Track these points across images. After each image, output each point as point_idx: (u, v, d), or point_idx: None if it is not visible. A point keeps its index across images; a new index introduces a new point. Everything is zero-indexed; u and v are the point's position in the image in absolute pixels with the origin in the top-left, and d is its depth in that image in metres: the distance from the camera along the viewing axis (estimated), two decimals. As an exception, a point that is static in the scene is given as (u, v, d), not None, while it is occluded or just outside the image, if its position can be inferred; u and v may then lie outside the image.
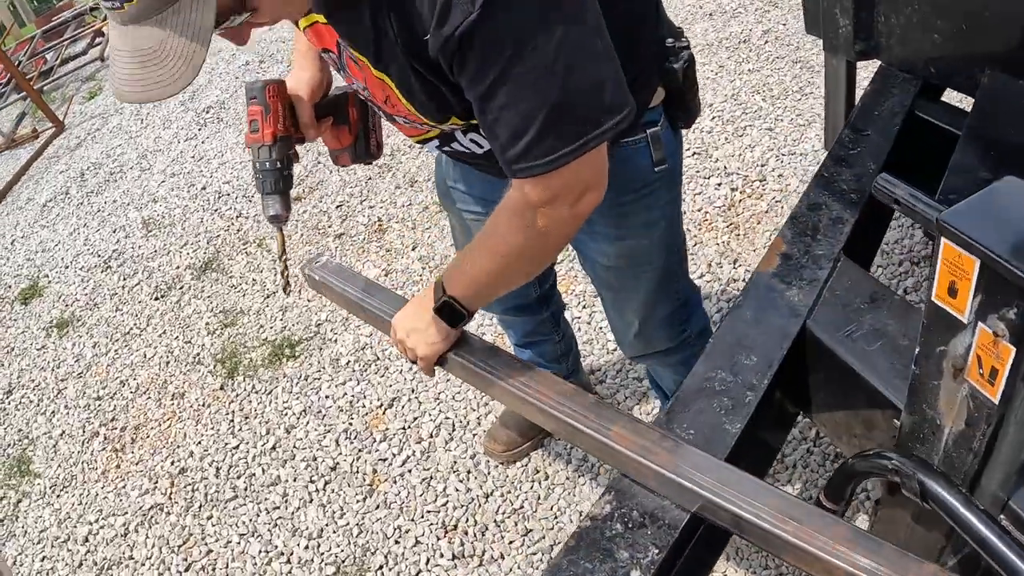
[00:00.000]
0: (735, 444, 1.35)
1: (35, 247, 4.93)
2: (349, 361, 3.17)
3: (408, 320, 1.49)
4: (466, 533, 2.45)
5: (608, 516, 1.27)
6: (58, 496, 3.23)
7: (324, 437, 2.91)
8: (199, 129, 5.41)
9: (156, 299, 4.00)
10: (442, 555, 2.41)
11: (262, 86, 1.49)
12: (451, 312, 1.41)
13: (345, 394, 3.04)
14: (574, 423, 1.34)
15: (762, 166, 3.42)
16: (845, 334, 1.48)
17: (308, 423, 2.99)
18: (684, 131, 1.66)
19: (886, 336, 1.44)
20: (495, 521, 2.45)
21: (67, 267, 4.58)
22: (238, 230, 4.23)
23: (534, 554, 2.33)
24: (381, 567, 2.46)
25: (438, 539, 2.46)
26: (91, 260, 4.53)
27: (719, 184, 3.40)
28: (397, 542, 2.50)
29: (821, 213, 1.79)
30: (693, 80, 1.57)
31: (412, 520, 2.54)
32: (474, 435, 2.71)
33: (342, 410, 2.98)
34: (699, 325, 2.01)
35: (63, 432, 3.50)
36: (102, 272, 4.39)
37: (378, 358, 3.12)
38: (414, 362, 1.50)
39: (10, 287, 4.65)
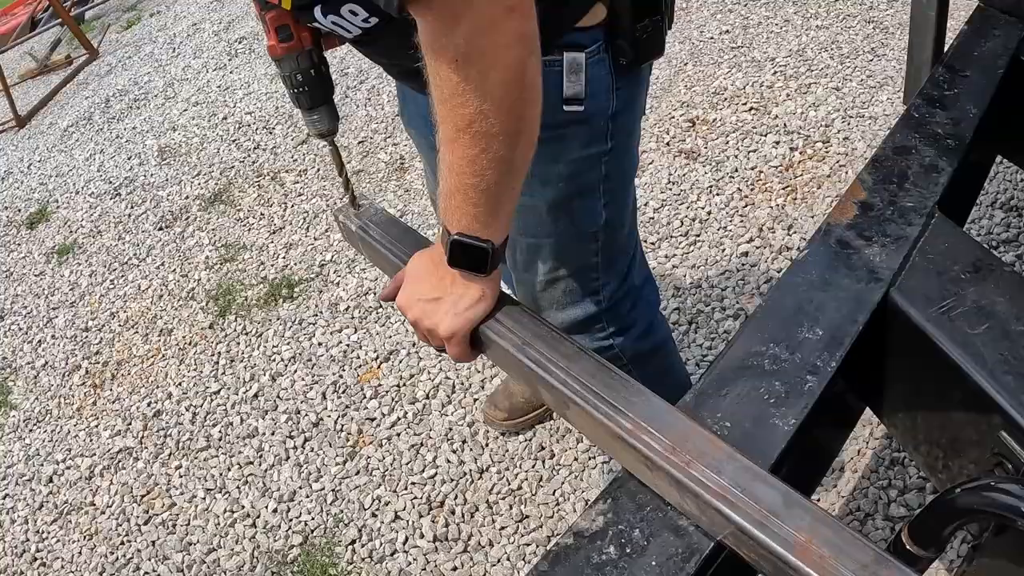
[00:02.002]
0: (785, 447, 0.97)
1: (50, 171, 4.68)
2: (349, 307, 2.85)
3: (418, 288, 1.06)
4: (453, 512, 2.12)
5: (599, 533, 0.90)
6: (30, 431, 2.97)
7: (311, 389, 2.60)
8: (229, 59, 5.11)
9: (160, 229, 3.71)
10: (423, 535, 2.09)
11: None
12: (467, 251, 0.99)
13: (340, 343, 2.72)
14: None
15: (826, 127, 3.03)
16: (940, 310, 1.08)
17: (296, 372, 2.68)
18: (642, 76, 1.29)
19: (994, 317, 1.04)
20: (487, 501, 2.11)
21: (77, 193, 4.32)
22: (254, 162, 3.92)
23: (527, 545, 1.99)
24: (353, 542, 2.14)
25: (420, 516, 2.13)
26: (102, 187, 4.26)
27: (777, 143, 3.01)
28: (375, 515, 2.18)
29: (911, 158, 1.40)
30: (655, 5, 1.18)
31: (394, 491, 2.21)
32: (475, 400, 2.37)
33: (334, 360, 2.66)
34: (635, 340, 1.57)
35: (46, 363, 3.24)
36: (111, 199, 4.12)
37: (380, 306, 2.79)
38: (441, 349, 1.08)
39: (19, 211, 4.41)
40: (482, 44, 0.84)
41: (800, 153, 2.95)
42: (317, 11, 1.05)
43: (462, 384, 2.43)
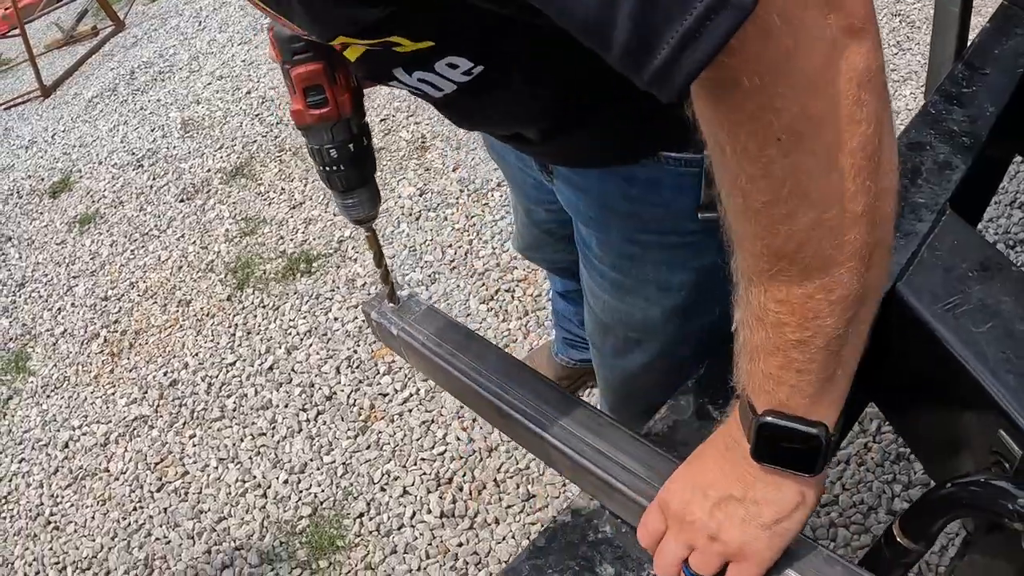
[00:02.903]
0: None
1: (74, 141, 4.71)
2: (366, 283, 2.86)
3: (700, 479, 0.76)
4: (460, 489, 2.13)
5: (597, 512, 0.92)
6: (48, 397, 3.01)
7: (325, 363, 2.61)
8: (255, 34, 5.11)
9: (181, 201, 3.74)
10: (430, 511, 2.10)
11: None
12: (783, 439, 0.68)
13: (356, 318, 2.73)
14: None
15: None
16: (945, 307, 1.08)
17: (311, 345, 2.70)
18: None
19: (999, 316, 1.04)
20: (495, 480, 2.12)
21: (100, 163, 4.35)
22: (276, 136, 3.93)
23: (533, 524, 2.00)
24: (361, 515, 2.16)
25: (428, 492, 2.15)
26: (125, 157, 4.29)
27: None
28: (383, 489, 2.19)
29: (925, 155, 1.39)
30: None
31: (404, 467, 2.22)
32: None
33: (349, 335, 2.68)
34: None
35: (65, 331, 3.28)
36: (133, 170, 4.14)
37: (397, 281, 2.80)
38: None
39: (43, 180, 4.44)
40: (822, 105, 0.53)
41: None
42: (399, 70, 0.79)
43: (475, 363, 2.44)
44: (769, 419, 0.67)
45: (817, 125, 0.52)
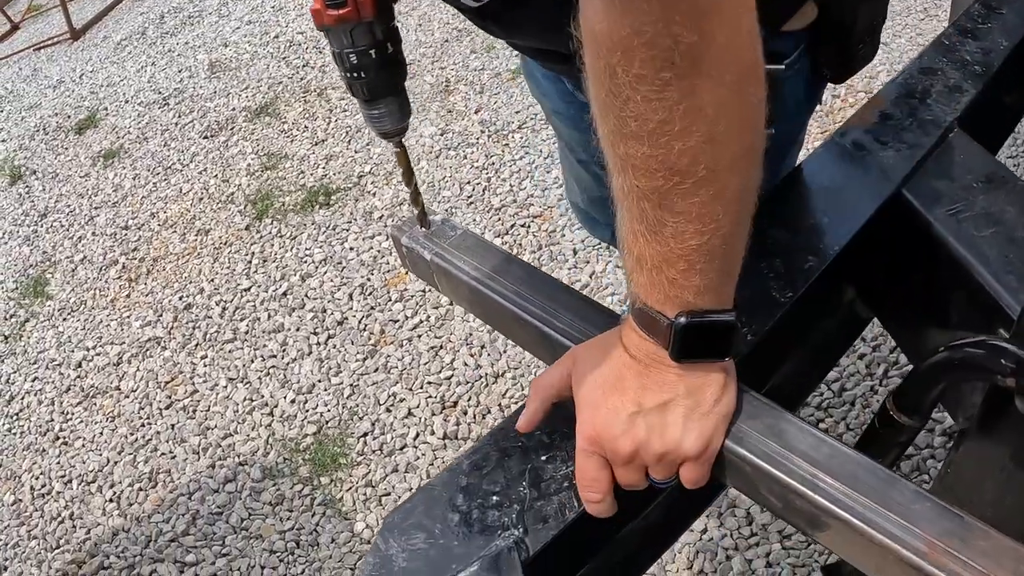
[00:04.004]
0: (783, 316, 0.95)
1: (101, 81, 4.73)
2: (383, 215, 2.86)
3: (621, 401, 0.71)
4: (465, 413, 2.12)
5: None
6: (64, 319, 3.03)
7: (339, 290, 2.61)
8: (286, -19, 5.12)
9: (205, 138, 3.74)
10: (433, 432, 2.10)
11: None
12: (703, 335, 0.68)
13: (371, 248, 2.73)
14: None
15: (871, 78, 2.96)
16: (949, 212, 1.06)
17: (326, 273, 2.69)
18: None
19: (1002, 224, 1.01)
20: (500, 405, 2.11)
21: (127, 102, 4.36)
22: (301, 79, 3.93)
23: (535, 442, 1.99)
24: (365, 434, 2.16)
25: (433, 414, 2.14)
26: (151, 96, 4.30)
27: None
28: (389, 410, 2.19)
29: (935, 78, 1.36)
30: (877, 12, 0.96)
31: (410, 389, 2.22)
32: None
33: (364, 264, 2.67)
34: None
35: (84, 258, 3.30)
36: (159, 108, 4.15)
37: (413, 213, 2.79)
38: (668, 482, 0.75)
39: (69, 117, 4.46)
40: (714, 30, 0.54)
41: (842, 101, 2.89)
42: None
43: (487, 294, 2.43)
44: (685, 320, 0.66)
45: (713, 48, 0.54)
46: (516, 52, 1.35)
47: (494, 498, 0.83)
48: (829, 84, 1.08)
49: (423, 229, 1.07)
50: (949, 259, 1.00)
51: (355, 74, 0.89)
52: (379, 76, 0.89)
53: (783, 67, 0.89)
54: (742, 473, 0.75)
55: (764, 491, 0.75)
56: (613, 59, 0.55)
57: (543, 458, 0.85)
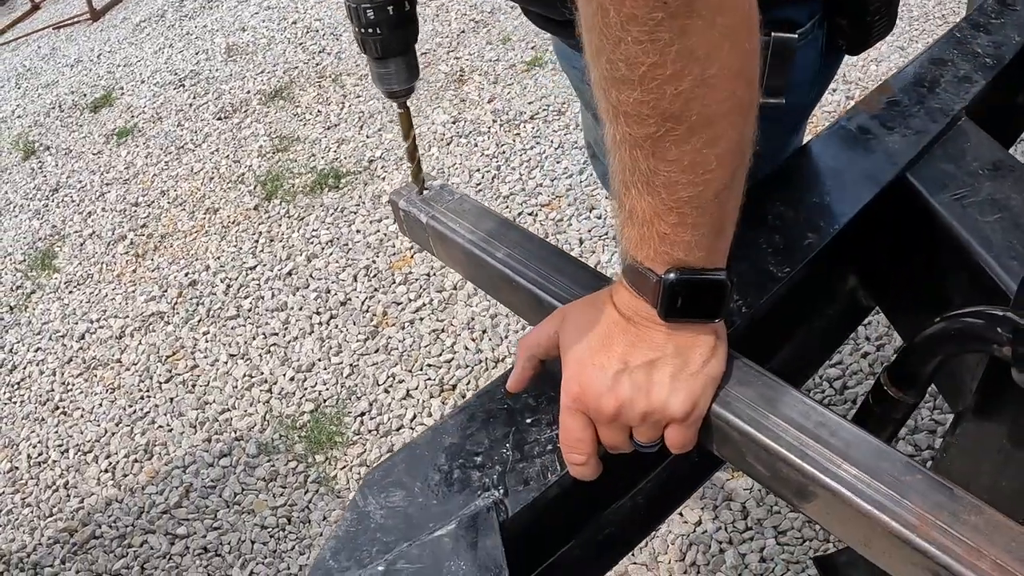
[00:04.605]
0: (779, 291, 0.93)
1: (118, 61, 4.74)
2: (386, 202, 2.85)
3: (607, 359, 0.69)
4: (463, 396, 2.11)
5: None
6: (70, 292, 3.03)
7: (343, 271, 2.61)
8: (307, -32, 5.13)
9: (219, 119, 3.74)
10: (431, 415, 2.09)
11: None
12: (692, 292, 0.66)
13: (378, 231, 2.72)
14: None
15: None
16: (953, 196, 1.04)
17: (331, 255, 2.69)
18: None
19: (1007, 210, 1.00)
20: (500, 388, 2.10)
21: (143, 82, 4.38)
22: (317, 64, 3.93)
23: (532, 426, 1.98)
24: (363, 414, 2.15)
25: (431, 396, 2.13)
26: (167, 77, 4.31)
27: (833, 89, 2.93)
28: (387, 391, 2.18)
29: (945, 68, 1.34)
30: None
31: (409, 371, 2.21)
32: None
33: (369, 246, 2.67)
34: None
35: (93, 232, 3.30)
36: (174, 89, 4.16)
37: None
38: (655, 444, 0.73)
39: (85, 95, 4.48)
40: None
41: (854, 101, 2.87)
42: None
43: (491, 280, 2.41)
44: (675, 276, 0.65)
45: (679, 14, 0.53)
46: (531, 44, 1.30)
47: (476, 459, 0.82)
48: (847, 88, 1.07)
49: (421, 193, 1.06)
50: (952, 243, 0.98)
51: (370, 30, 0.88)
52: (394, 33, 0.89)
53: (796, 36, 0.86)
54: (729, 439, 0.73)
55: (751, 459, 0.73)
56: (602, 11, 0.54)
57: (528, 421, 0.84)
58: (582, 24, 0.59)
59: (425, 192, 1.07)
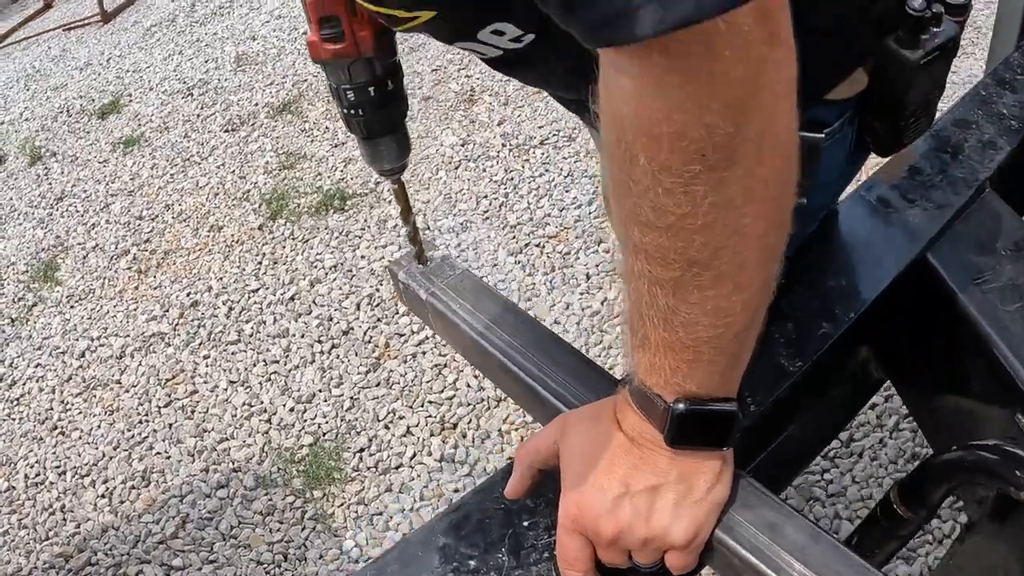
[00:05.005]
0: (790, 386, 0.90)
1: (127, 67, 4.73)
2: (397, 224, 2.82)
3: (608, 480, 0.67)
4: (464, 436, 2.08)
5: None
6: (71, 307, 3.01)
7: (346, 298, 2.58)
8: (320, -23, 5.10)
9: (226, 131, 3.72)
10: (431, 453, 2.06)
11: None
12: (701, 423, 0.64)
13: (382, 258, 2.69)
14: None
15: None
16: (974, 281, 1.01)
17: (335, 280, 2.66)
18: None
19: None
20: (500, 430, 2.07)
21: (151, 89, 4.35)
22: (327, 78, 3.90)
23: (533, 473, 1.95)
24: (362, 450, 2.13)
25: (432, 435, 2.11)
26: (176, 85, 4.29)
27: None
28: (387, 427, 2.16)
29: (969, 133, 1.31)
30: (935, 84, 0.85)
31: (410, 407, 2.19)
32: (507, 330, 2.34)
33: (374, 273, 2.64)
34: None
35: (96, 245, 3.28)
36: (182, 98, 4.14)
37: (428, 227, 2.76)
38: (655, 569, 0.70)
39: (93, 100, 4.46)
40: (751, 121, 0.49)
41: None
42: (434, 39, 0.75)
43: (496, 313, 2.39)
44: (684, 407, 0.62)
45: (748, 139, 0.49)
46: None
47: (471, 563, 0.80)
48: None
49: (421, 266, 1.03)
50: (971, 329, 0.96)
51: (352, 111, 0.85)
52: (377, 114, 0.86)
53: (823, 136, 0.81)
54: (731, 565, 0.71)
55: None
56: (637, 145, 0.51)
57: (525, 524, 0.81)
58: (606, 157, 0.56)
59: (425, 263, 1.05)
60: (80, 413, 2.56)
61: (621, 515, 0.66)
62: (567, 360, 0.91)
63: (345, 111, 0.86)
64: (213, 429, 2.32)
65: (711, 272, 0.56)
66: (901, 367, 1.15)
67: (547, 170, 2.83)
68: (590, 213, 2.58)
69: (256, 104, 3.85)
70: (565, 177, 2.76)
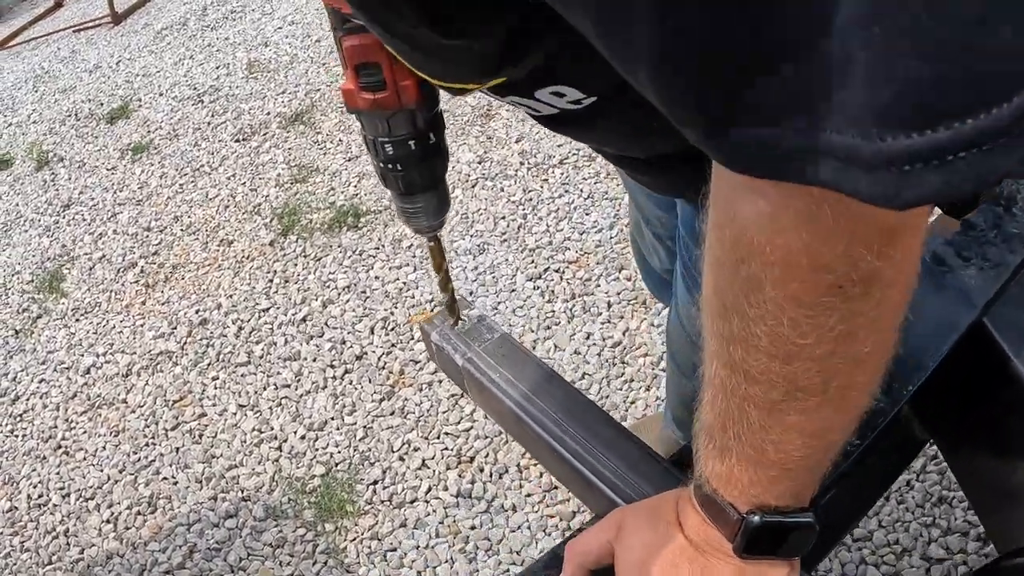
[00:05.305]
0: (844, 471, 0.83)
1: (137, 70, 4.67)
2: (412, 244, 2.75)
3: None
4: (481, 470, 2.02)
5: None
6: (77, 320, 2.95)
7: (360, 321, 2.52)
8: (333, -17, 5.04)
9: (237, 141, 3.66)
10: (447, 488, 2.00)
11: None
12: (776, 535, 0.60)
13: (397, 279, 2.63)
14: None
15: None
16: None
17: (348, 302, 2.60)
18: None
19: None
20: (519, 465, 2.01)
21: (161, 95, 4.30)
22: (341, 88, 3.84)
23: (551, 517, 1.89)
24: (375, 482, 2.06)
25: (448, 468, 2.04)
26: (186, 91, 4.23)
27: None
28: (402, 459, 2.09)
29: (1022, 183, 1.25)
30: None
31: (426, 438, 2.12)
32: (525, 359, 2.27)
33: (388, 296, 2.58)
34: None
35: (103, 256, 3.22)
36: (193, 105, 4.08)
37: (445, 248, 2.69)
38: None
39: (102, 104, 4.40)
40: (895, 251, 0.45)
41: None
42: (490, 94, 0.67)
43: (516, 339, 2.32)
44: (759, 519, 0.58)
45: (888, 271, 0.46)
46: None
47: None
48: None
49: (455, 326, 0.97)
50: (1029, 404, 0.90)
51: (389, 165, 0.79)
52: (418, 169, 0.80)
53: None
54: None
55: None
56: (765, 273, 0.45)
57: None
58: (711, 265, 0.50)
59: (460, 324, 0.98)
60: (85, 433, 2.50)
61: None
62: (620, 444, 0.84)
63: (382, 165, 0.80)
64: (222, 455, 2.26)
65: (817, 398, 0.51)
66: (951, 435, 1.09)
67: (567, 191, 2.76)
68: (611, 238, 2.51)
69: (268, 113, 3.79)
70: (585, 199, 2.70)
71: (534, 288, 2.44)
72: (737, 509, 0.58)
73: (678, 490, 0.66)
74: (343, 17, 0.70)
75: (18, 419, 2.65)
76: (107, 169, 3.80)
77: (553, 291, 2.41)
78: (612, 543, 0.68)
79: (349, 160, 3.29)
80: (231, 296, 2.78)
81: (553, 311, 2.36)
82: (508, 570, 1.84)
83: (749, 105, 0.36)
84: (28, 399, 2.70)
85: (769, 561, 0.61)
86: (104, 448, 2.43)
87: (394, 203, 0.85)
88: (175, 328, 2.74)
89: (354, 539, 1.99)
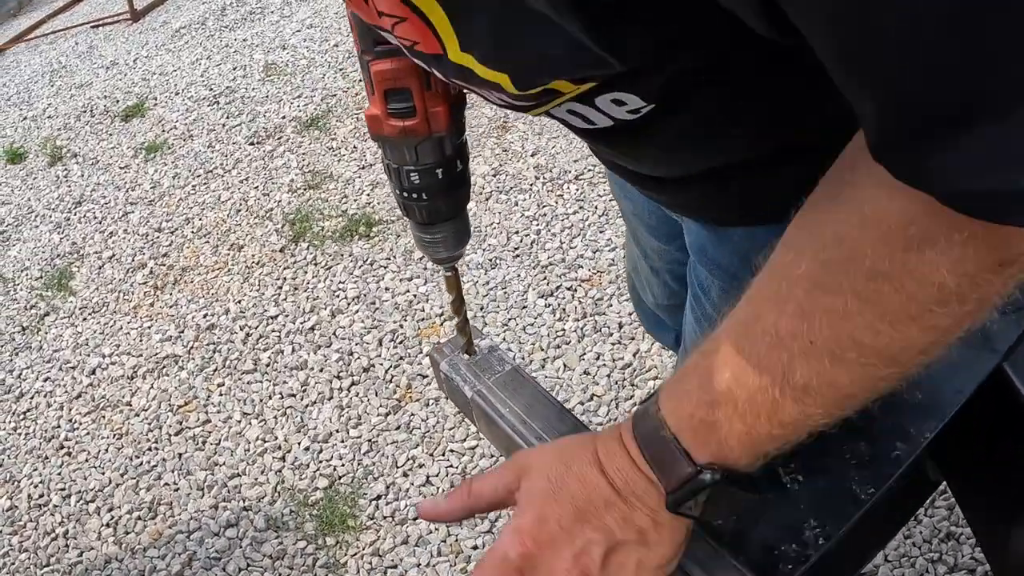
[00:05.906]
0: (859, 519, 0.81)
1: (154, 69, 4.66)
2: (423, 256, 2.73)
3: (578, 528, 0.60)
4: (488, 488, 1.99)
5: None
6: (84, 319, 2.94)
7: (368, 332, 2.50)
8: (353, -12, 5.03)
9: (251, 144, 3.65)
10: (452, 506, 1.97)
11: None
12: (720, 497, 0.60)
13: (407, 291, 2.61)
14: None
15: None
16: None
17: (357, 312, 2.58)
18: None
19: None
20: (526, 484, 1.98)
21: (177, 94, 4.29)
22: (357, 93, 3.83)
23: (559, 538, 1.86)
24: (378, 498, 2.04)
25: (452, 486, 2.02)
26: (202, 92, 4.22)
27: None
28: (406, 475, 2.07)
29: None
30: None
31: (431, 455, 2.10)
32: (537, 377, 2.25)
33: (398, 308, 2.56)
34: None
35: (113, 256, 3.21)
36: (208, 106, 4.07)
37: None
38: None
39: (117, 102, 4.40)
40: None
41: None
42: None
43: (525, 359, 2.30)
44: (710, 476, 0.55)
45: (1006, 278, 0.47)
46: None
47: None
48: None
49: (466, 357, 0.94)
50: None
51: (413, 195, 0.75)
52: (442, 198, 0.77)
53: None
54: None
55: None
56: (909, 284, 0.46)
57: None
58: (825, 257, 0.50)
59: (471, 355, 0.97)
60: (88, 434, 2.49)
61: (588, 557, 0.59)
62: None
63: (405, 195, 0.76)
64: (224, 463, 2.24)
65: (894, 369, 0.52)
66: (966, 480, 1.06)
67: (581, 207, 2.74)
68: (624, 257, 2.49)
69: (283, 117, 3.78)
70: (600, 216, 2.68)
71: (545, 305, 2.42)
72: (693, 459, 0.56)
73: (592, 433, 0.64)
74: (376, 39, 0.66)
75: (22, 417, 2.63)
76: (120, 167, 3.79)
77: (565, 309, 2.39)
78: (512, 489, 0.64)
79: (363, 168, 3.27)
80: (239, 302, 2.77)
81: (564, 330, 2.34)
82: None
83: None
84: (32, 397, 2.68)
85: (685, 522, 0.60)
86: (106, 450, 2.41)
87: (412, 232, 0.83)
88: (182, 332, 2.72)
89: (355, 554, 1.97)
